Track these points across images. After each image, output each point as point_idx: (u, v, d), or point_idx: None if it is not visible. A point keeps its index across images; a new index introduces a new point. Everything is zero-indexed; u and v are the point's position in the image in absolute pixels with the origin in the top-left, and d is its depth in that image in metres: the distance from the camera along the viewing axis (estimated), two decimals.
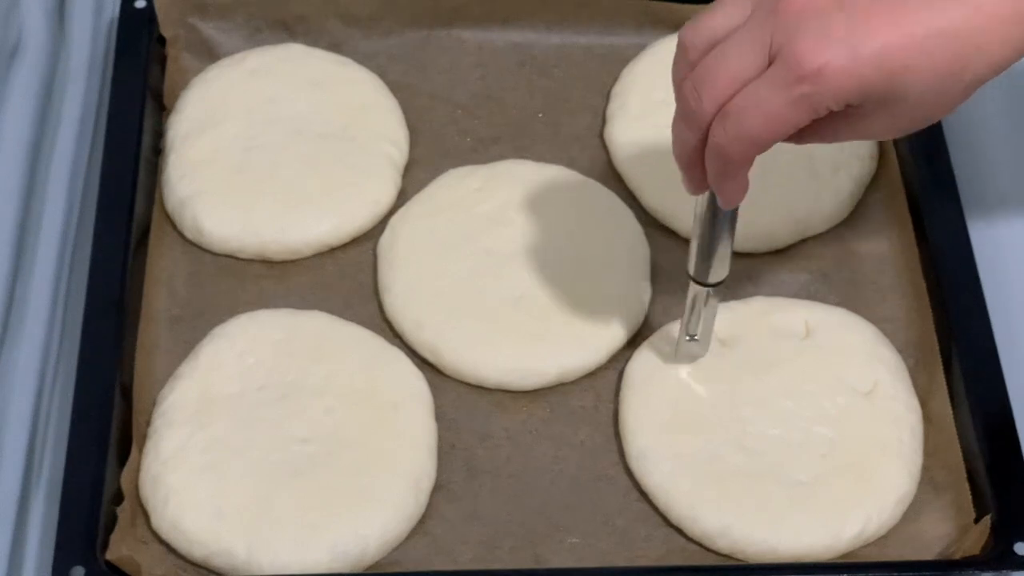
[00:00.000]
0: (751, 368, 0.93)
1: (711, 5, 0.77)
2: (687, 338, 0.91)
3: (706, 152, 0.76)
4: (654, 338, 0.95)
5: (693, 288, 0.87)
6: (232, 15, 1.10)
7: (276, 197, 1.01)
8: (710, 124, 0.75)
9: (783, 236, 1.00)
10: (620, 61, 1.09)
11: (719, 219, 0.83)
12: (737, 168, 0.76)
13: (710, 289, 0.87)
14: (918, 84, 0.72)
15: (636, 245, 0.99)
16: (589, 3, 1.09)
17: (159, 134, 1.05)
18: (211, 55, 1.09)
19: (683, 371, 0.93)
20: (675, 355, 0.92)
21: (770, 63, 0.73)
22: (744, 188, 0.78)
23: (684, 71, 0.77)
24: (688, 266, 0.86)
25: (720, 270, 0.86)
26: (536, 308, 0.96)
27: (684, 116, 0.76)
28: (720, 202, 0.80)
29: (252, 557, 0.87)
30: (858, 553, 0.88)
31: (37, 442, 0.94)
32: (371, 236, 1.01)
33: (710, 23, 0.76)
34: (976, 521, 0.87)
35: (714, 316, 0.89)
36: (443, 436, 0.92)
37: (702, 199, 0.82)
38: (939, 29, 0.72)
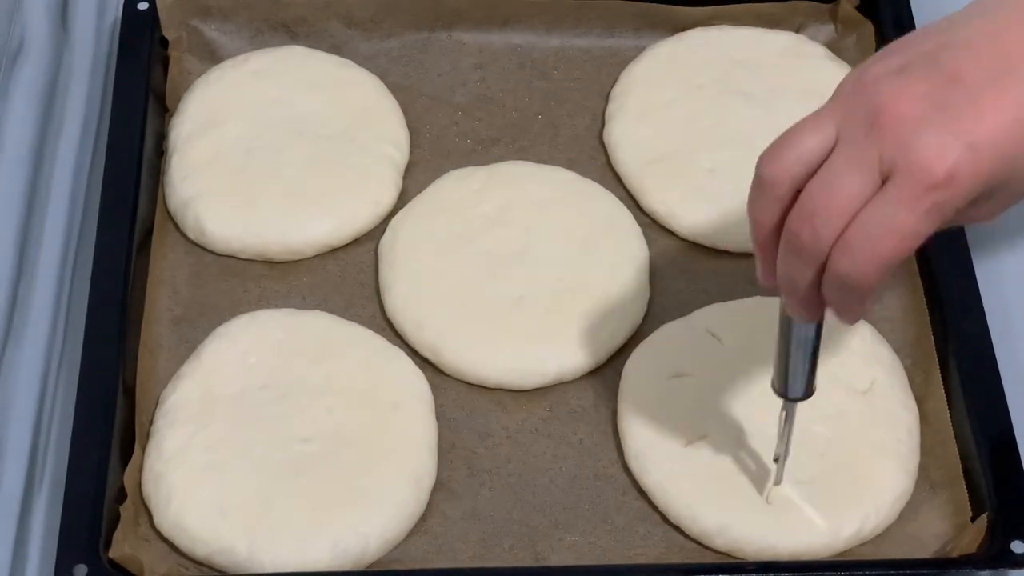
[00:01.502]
0: (749, 368, 0.93)
1: (784, 136, 0.73)
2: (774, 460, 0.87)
3: (828, 283, 0.72)
4: (653, 338, 0.96)
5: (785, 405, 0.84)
6: (234, 17, 1.10)
7: (278, 198, 1.01)
8: (826, 256, 0.72)
9: None
10: (619, 63, 1.09)
11: (807, 332, 0.79)
12: (868, 293, 0.72)
13: (788, 405, 0.83)
14: None
15: (635, 245, 1.00)
16: (588, 6, 1.10)
17: (161, 135, 1.05)
18: (213, 57, 1.10)
19: (681, 371, 0.93)
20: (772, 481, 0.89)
21: (883, 180, 0.70)
22: (870, 306, 0.74)
23: (772, 208, 0.73)
24: (774, 382, 0.82)
25: (808, 384, 0.82)
26: (536, 308, 0.96)
27: (797, 252, 0.72)
28: (845, 321, 0.75)
29: (254, 555, 0.87)
30: (855, 551, 0.88)
31: (40, 441, 0.94)
32: (372, 237, 1.01)
33: (793, 154, 0.72)
34: (973, 520, 0.88)
35: (789, 441, 0.86)
36: (443, 435, 0.93)
37: (782, 314, 0.78)
38: None
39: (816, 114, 0.73)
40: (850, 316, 0.75)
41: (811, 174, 0.72)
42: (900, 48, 0.73)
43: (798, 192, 0.72)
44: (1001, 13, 0.73)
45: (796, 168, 0.72)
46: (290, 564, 0.87)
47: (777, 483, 0.88)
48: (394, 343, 0.96)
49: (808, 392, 0.82)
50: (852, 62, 1.08)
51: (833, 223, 0.71)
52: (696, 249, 1.01)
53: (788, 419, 0.84)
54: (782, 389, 0.82)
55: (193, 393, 0.93)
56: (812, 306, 0.75)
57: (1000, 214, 0.76)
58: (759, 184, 0.74)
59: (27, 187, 1.05)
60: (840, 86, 0.73)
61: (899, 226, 0.70)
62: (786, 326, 0.79)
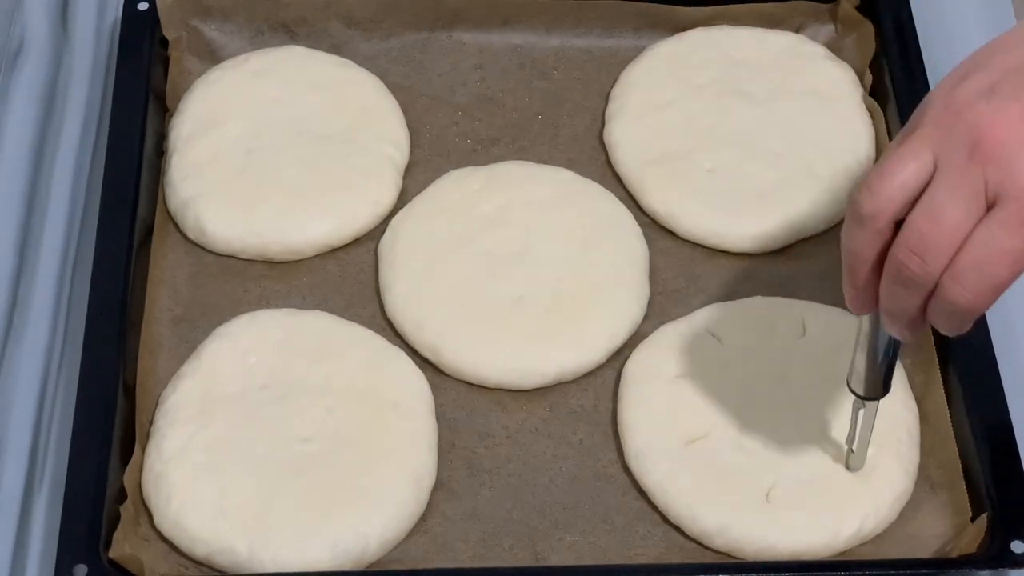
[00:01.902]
0: (749, 367, 0.93)
1: (881, 168, 0.72)
2: (848, 448, 0.89)
3: (938, 310, 0.73)
4: (653, 338, 0.96)
5: (856, 401, 0.86)
6: (234, 17, 1.10)
7: (278, 198, 1.01)
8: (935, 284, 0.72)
9: (781, 236, 1.00)
10: (619, 63, 1.09)
11: (893, 343, 0.81)
12: (978, 315, 0.73)
13: (864, 402, 0.86)
14: None
15: (635, 245, 1.00)
16: (588, 6, 1.10)
17: (162, 135, 1.05)
18: (213, 57, 1.10)
19: (681, 371, 0.94)
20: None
21: (989, 206, 0.70)
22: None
23: (872, 240, 0.73)
24: (850, 381, 0.85)
25: (885, 382, 0.84)
26: (536, 308, 0.96)
27: (905, 283, 0.72)
28: (947, 334, 0.76)
29: (254, 555, 0.87)
30: (855, 551, 0.88)
31: (40, 441, 0.94)
32: (372, 237, 1.01)
33: (893, 183, 0.72)
34: (973, 520, 0.88)
35: (870, 432, 0.87)
36: (443, 435, 0.93)
37: (871, 325, 0.80)
38: None
39: (911, 142, 0.72)
40: (955, 332, 0.75)
41: (910, 204, 0.72)
42: (984, 64, 0.72)
43: (897, 223, 0.72)
44: None
45: (897, 198, 0.72)
46: (290, 564, 0.87)
47: (853, 470, 0.90)
48: (394, 343, 0.96)
49: (885, 391, 0.84)
50: (852, 62, 1.08)
51: (942, 252, 0.71)
52: (696, 249, 1.01)
53: (867, 416, 0.86)
54: (862, 390, 0.85)
55: (193, 393, 0.93)
56: (916, 327, 0.76)
57: None
58: (858, 218, 0.73)
59: (27, 187, 1.05)
60: (925, 110, 0.73)
61: (1010, 251, 0.70)
62: (873, 337, 0.80)
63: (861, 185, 0.73)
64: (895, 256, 0.72)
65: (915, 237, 0.71)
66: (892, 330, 0.77)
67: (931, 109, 0.72)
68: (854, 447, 0.89)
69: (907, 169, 0.71)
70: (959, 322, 0.74)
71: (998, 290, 0.71)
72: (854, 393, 0.85)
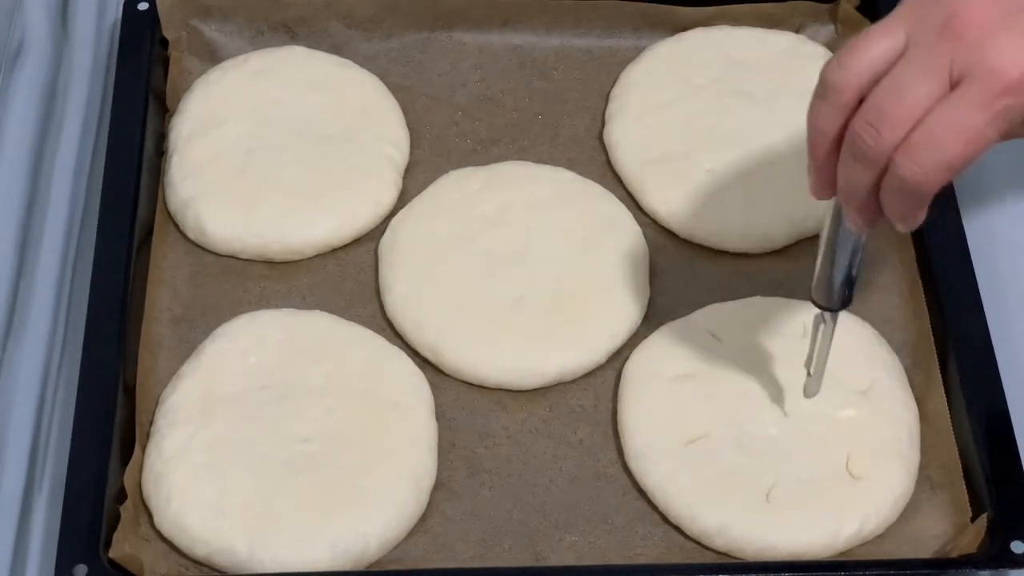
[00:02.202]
0: (749, 367, 0.94)
1: (853, 43, 0.73)
2: (807, 372, 0.89)
3: (888, 187, 0.73)
4: (652, 338, 0.96)
5: (818, 317, 0.85)
6: (234, 17, 1.10)
7: (278, 198, 1.01)
8: (888, 161, 0.72)
9: (781, 236, 1.01)
10: (619, 63, 1.09)
11: (855, 241, 0.80)
12: (927, 197, 0.73)
13: (826, 315, 0.85)
14: None
15: (635, 245, 1.00)
16: (588, 6, 1.10)
17: (162, 135, 1.05)
18: (213, 57, 1.10)
19: (681, 371, 0.94)
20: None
21: (952, 86, 0.70)
22: (925, 212, 0.75)
23: (834, 115, 0.73)
24: (812, 292, 0.84)
25: (846, 293, 0.84)
26: (536, 308, 0.96)
27: (858, 156, 0.72)
28: (901, 227, 0.76)
29: (254, 555, 0.87)
30: (856, 551, 0.88)
31: (41, 441, 0.94)
32: (372, 237, 1.01)
33: (862, 60, 0.72)
34: (973, 520, 0.88)
35: (827, 355, 0.87)
36: (443, 435, 0.93)
37: (831, 221, 0.79)
38: None
39: (885, 20, 0.73)
40: (906, 223, 0.75)
41: (878, 80, 0.72)
42: None
43: (863, 100, 0.72)
44: None
45: (863, 74, 0.72)
46: (290, 564, 0.87)
47: (809, 396, 0.89)
48: (394, 343, 0.96)
49: (846, 302, 0.84)
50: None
51: (898, 126, 0.71)
52: (696, 249, 1.01)
53: (826, 331, 0.85)
54: (822, 299, 0.84)
55: (193, 393, 0.93)
56: (869, 213, 0.75)
57: None
58: (823, 90, 0.73)
59: (27, 187, 1.05)
60: None
61: (966, 128, 0.70)
62: (833, 235, 0.79)
63: (831, 59, 0.73)
64: (852, 128, 0.72)
65: (874, 110, 0.71)
66: (848, 217, 0.77)
67: None
68: (811, 370, 0.88)
69: (878, 45, 0.72)
70: (909, 204, 0.73)
71: (949, 169, 0.71)
72: (816, 304, 0.84)
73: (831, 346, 0.87)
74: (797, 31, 1.11)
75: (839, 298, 0.84)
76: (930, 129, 0.70)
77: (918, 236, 0.98)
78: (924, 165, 0.71)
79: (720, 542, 0.88)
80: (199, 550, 0.88)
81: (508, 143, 1.06)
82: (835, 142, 0.74)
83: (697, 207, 1.01)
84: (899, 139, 0.71)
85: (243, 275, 1.00)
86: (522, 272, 0.98)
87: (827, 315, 0.85)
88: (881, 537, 0.89)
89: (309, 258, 1.01)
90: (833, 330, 0.86)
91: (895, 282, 0.99)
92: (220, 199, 1.01)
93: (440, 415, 0.93)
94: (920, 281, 0.98)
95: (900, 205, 0.73)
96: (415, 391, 0.93)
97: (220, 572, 0.88)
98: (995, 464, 0.89)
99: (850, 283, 0.83)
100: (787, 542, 0.88)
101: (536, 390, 0.95)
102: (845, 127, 0.73)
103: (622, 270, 0.98)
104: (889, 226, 1.00)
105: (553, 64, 1.10)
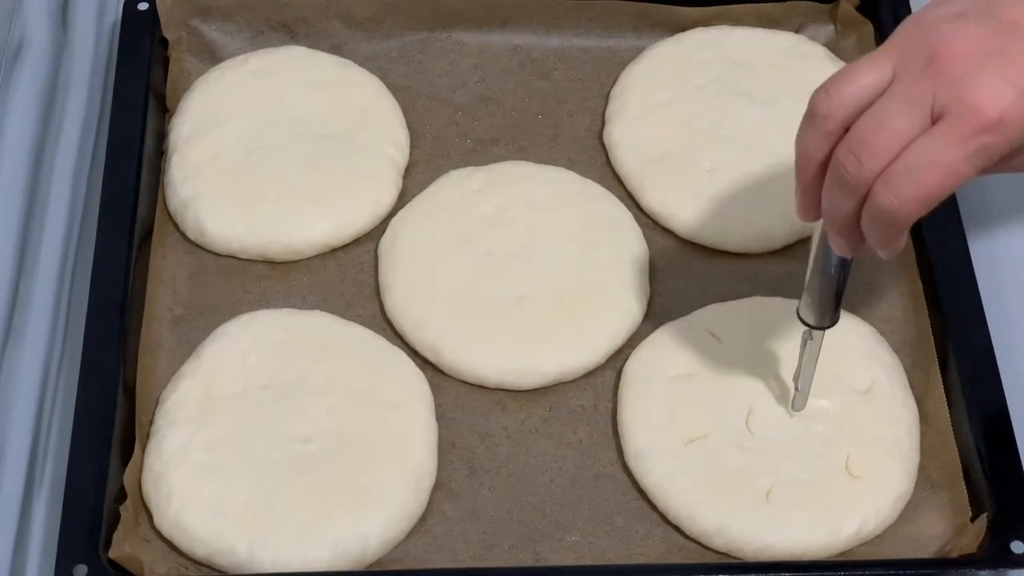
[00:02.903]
0: (749, 367, 0.94)
1: (841, 73, 0.75)
2: (794, 387, 0.90)
3: (868, 216, 0.74)
4: (652, 338, 0.96)
5: (805, 334, 0.87)
6: (234, 17, 1.10)
7: (278, 198, 1.01)
8: (868, 189, 0.74)
9: (781, 236, 1.01)
10: (619, 63, 1.09)
11: (842, 264, 0.81)
12: (905, 226, 0.74)
13: (813, 332, 0.86)
14: None
15: (635, 245, 1.00)
16: (588, 6, 1.10)
17: (162, 136, 1.05)
18: (213, 57, 1.10)
19: (681, 371, 0.94)
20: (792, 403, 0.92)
21: (934, 121, 0.72)
22: (904, 240, 0.77)
23: (820, 141, 0.75)
24: (800, 311, 0.85)
25: (834, 313, 0.85)
26: (536, 308, 0.97)
27: (840, 183, 0.74)
28: (882, 254, 0.77)
29: (254, 555, 0.87)
30: (855, 551, 0.88)
31: (40, 441, 0.94)
32: (372, 237, 1.01)
33: (848, 90, 0.74)
34: (973, 520, 0.88)
35: (813, 370, 0.88)
36: (443, 435, 0.93)
37: (819, 242, 0.81)
38: None
39: (875, 54, 0.75)
40: (886, 250, 0.76)
41: (864, 110, 0.74)
42: None
43: (848, 129, 0.74)
44: None
45: (849, 103, 0.74)
46: (290, 564, 0.87)
47: (796, 410, 0.91)
48: (394, 343, 0.96)
49: (833, 321, 0.85)
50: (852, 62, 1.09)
51: (879, 156, 0.73)
52: (696, 249, 1.01)
53: (812, 347, 0.87)
54: (810, 318, 0.85)
55: (193, 393, 0.93)
56: (852, 238, 0.77)
57: None
58: (811, 117, 0.75)
59: (27, 187, 1.05)
60: (898, 29, 0.75)
61: (943, 163, 0.71)
62: (821, 258, 0.81)
63: (819, 87, 0.75)
64: (836, 156, 0.74)
65: (857, 140, 0.73)
66: (832, 241, 0.78)
67: (902, 27, 0.75)
68: (798, 385, 0.89)
69: (865, 77, 0.74)
70: (887, 231, 0.75)
71: (924, 200, 0.73)
72: (803, 322, 0.86)
73: (817, 362, 0.88)
74: (797, 31, 1.11)
75: (826, 317, 0.85)
76: (908, 161, 0.72)
77: (918, 236, 0.98)
78: (901, 196, 0.73)
79: (720, 542, 0.88)
80: (199, 550, 0.88)
81: (508, 143, 1.06)
82: (821, 167, 0.76)
83: (697, 207, 1.01)
84: (879, 169, 0.73)
85: (243, 275, 1.00)
86: (522, 272, 0.98)
87: (814, 332, 0.86)
88: (881, 537, 0.89)
89: (309, 258, 1.01)
90: (820, 347, 0.87)
91: (895, 282, 0.99)
92: (220, 199, 1.01)
93: (440, 415, 0.94)
94: (920, 281, 0.98)
95: (879, 232, 0.75)
96: (415, 391, 0.93)
97: (220, 572, 0.88)
98: (995, 464, 0.89)
99: (837, 303, 0.84)
100: (787, 542, 0.88)
101: (536, 390, 0.95)
102: (831, 154, 0.75)
103: (622, 270, 0.98)
104: None
105: (553, 64, 1.10)
